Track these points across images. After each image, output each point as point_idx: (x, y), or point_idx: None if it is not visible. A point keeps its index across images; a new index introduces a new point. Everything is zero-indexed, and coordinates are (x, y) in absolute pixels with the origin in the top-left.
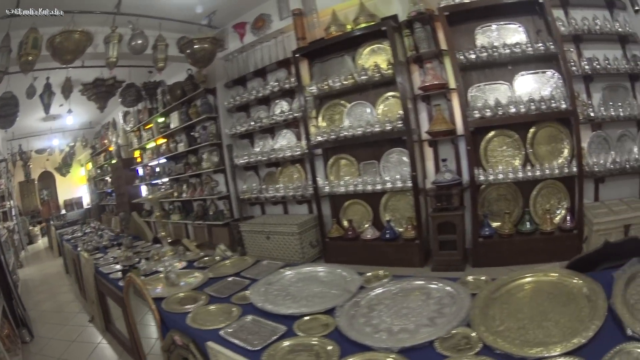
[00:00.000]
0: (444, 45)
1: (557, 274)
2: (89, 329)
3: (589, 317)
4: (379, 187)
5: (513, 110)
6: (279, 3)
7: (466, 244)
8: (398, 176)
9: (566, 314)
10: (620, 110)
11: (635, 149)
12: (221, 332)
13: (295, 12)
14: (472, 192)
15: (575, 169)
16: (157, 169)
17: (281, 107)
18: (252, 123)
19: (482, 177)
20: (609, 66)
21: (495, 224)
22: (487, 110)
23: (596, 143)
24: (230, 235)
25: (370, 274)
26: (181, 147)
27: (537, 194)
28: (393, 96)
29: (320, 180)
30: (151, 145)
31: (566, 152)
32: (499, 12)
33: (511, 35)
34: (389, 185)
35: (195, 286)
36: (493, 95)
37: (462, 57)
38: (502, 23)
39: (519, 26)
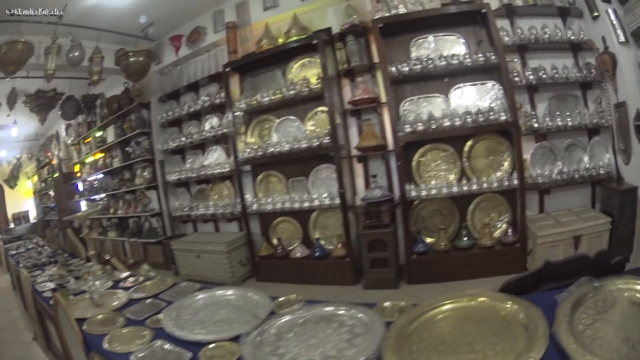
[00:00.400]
0: (377, 59)
1: (486, 298)
2: (33, 347)
3: (526, 348)
4: (306, 204)
5: (447, 123)
6: (215, 16)
7: (401, 260)
8: (326, 193)
9: (497, 344)
10: (569, 119)
11: (586, 158)
12: (131, 357)
13: (229, 25)
14: (404, 208)
15: (516, 182)
16: (95, 184)
17: (211, 123)
18: (183, 139)
19: (413, 193)
20: (556, 75)
21: (430, 240)
22: (419, 124)
23: (540, 154)
24: (164, 254)
25: (282, 298)
26: (116, 163)
27: (475, 208)
28: (323, 111)
29: (248, 198)
30: (90, 159)
31: (506, 164)
32: (437, 23)
33: (450, 46)
34: (316, 202)
35: (115, 307)
36: (428, 108)
37: (394, 69)
38: (440, 34)
39: (459, 37)
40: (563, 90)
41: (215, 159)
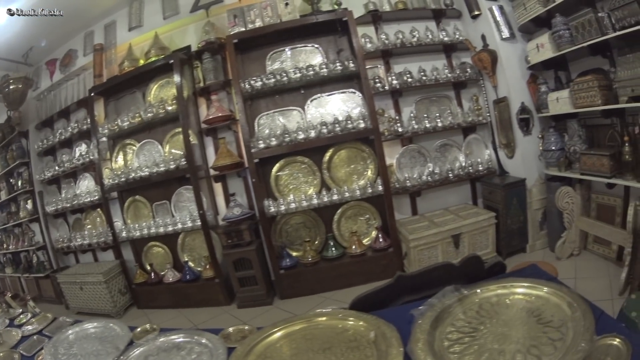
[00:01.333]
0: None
1: (327, 318)
2: None
3: None
4: (170, 228)
5: (302, 136)
6: (85, 38)
7: (272, 276)
8: (188, 216)
9: None
10: (439, 120)
11: (461, 157)
12: None
13: (96, 48)
14: (264, 224)
15: (381, 188)
16: None
17: (80, 150)
18: (57, 168)
19: (272, 209)
20: (424, 78)
21: (296, 254)
22: (273, 139)
23: (408, 157)
24: (53, 288)
25: (139, 329)
26: (3, 195)
27: (340, 218)
28: (180, 132)
29: (118, 225)
30: None
31: (370, 171)
32: (297, 35)
33: (308, 57)
34: (179, 225)
35: (11, 345)
36: (285, 122)
37: (247, 85)
38: (299, 46)
39: (317, 47)
40: (434, 92)
41: (86, 187)
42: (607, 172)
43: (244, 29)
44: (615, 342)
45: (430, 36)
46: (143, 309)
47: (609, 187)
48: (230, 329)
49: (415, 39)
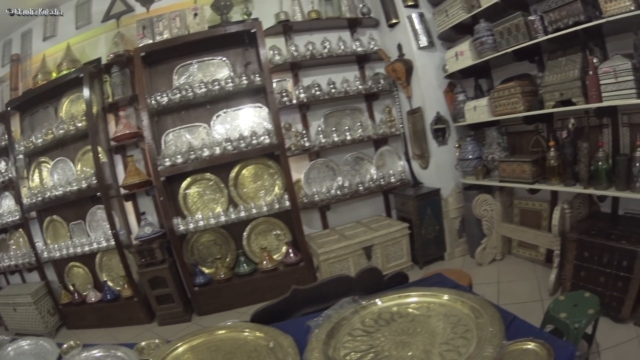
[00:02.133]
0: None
1: (228, 330)
2: None
3: None
4: (87, 248)
5: (207, 153)
6: (4, 47)
7: (188, 294)
8: (102, 235)
9: None
10: (348, 134)
11: (373, 170)
12: None
13: (13, 58)
14: (174, 243)
15: (288, 203)
16: None
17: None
18: None
19: (181, 227)
20: (333, 90)
21: (209, 271)
22: (178, 156)
23: (317, 172)
24: None
25: (65, 345)
26: None
27: (250, 234)
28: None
29: (40, 245)
30: None
31: (277, 187)
32: (206, 47)
33: (216, 71)
34: (95, 245)
35: None
36: (192, 138)
37: (153, 101)
38: (206, 59)
39: (225, 60)
40: (344, 105)
41: (7, 207)
42: (529, 178)
43: (152, 41)
44: (530, 347)
45: (342, 47)
46: (72, 329)
47: (532, 193)
48: (143, 343)
49: (326, 50)
